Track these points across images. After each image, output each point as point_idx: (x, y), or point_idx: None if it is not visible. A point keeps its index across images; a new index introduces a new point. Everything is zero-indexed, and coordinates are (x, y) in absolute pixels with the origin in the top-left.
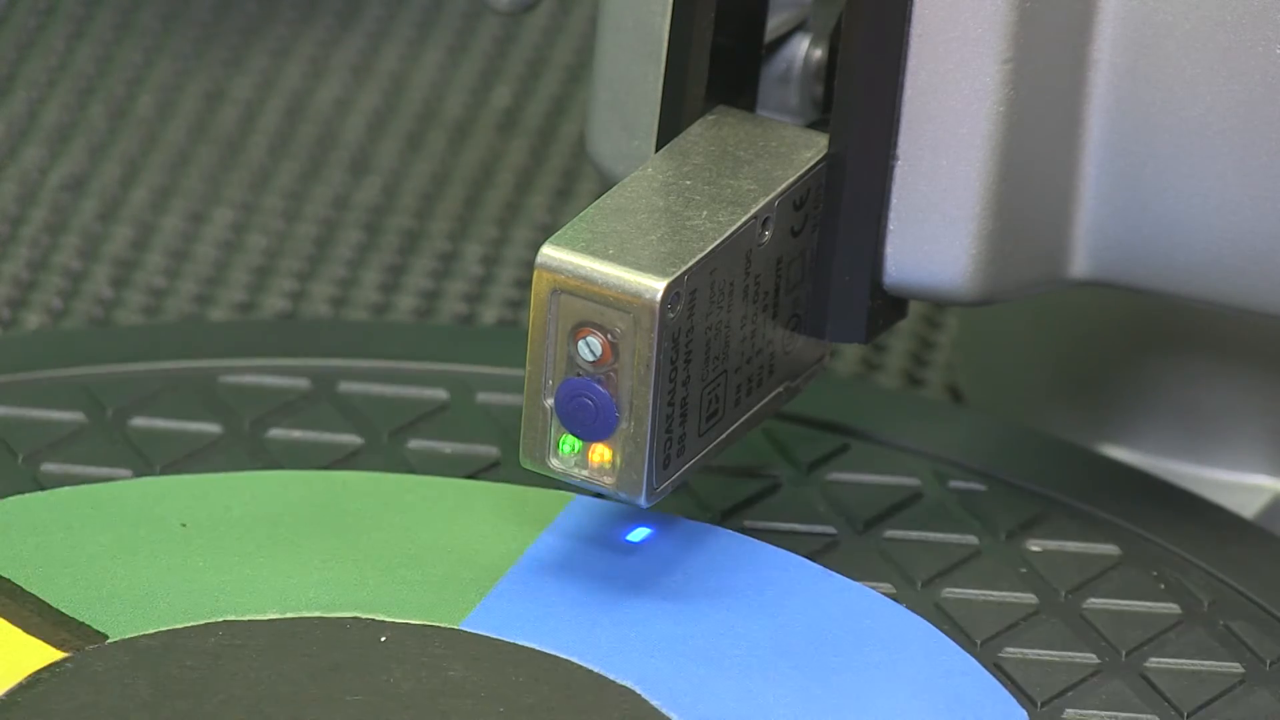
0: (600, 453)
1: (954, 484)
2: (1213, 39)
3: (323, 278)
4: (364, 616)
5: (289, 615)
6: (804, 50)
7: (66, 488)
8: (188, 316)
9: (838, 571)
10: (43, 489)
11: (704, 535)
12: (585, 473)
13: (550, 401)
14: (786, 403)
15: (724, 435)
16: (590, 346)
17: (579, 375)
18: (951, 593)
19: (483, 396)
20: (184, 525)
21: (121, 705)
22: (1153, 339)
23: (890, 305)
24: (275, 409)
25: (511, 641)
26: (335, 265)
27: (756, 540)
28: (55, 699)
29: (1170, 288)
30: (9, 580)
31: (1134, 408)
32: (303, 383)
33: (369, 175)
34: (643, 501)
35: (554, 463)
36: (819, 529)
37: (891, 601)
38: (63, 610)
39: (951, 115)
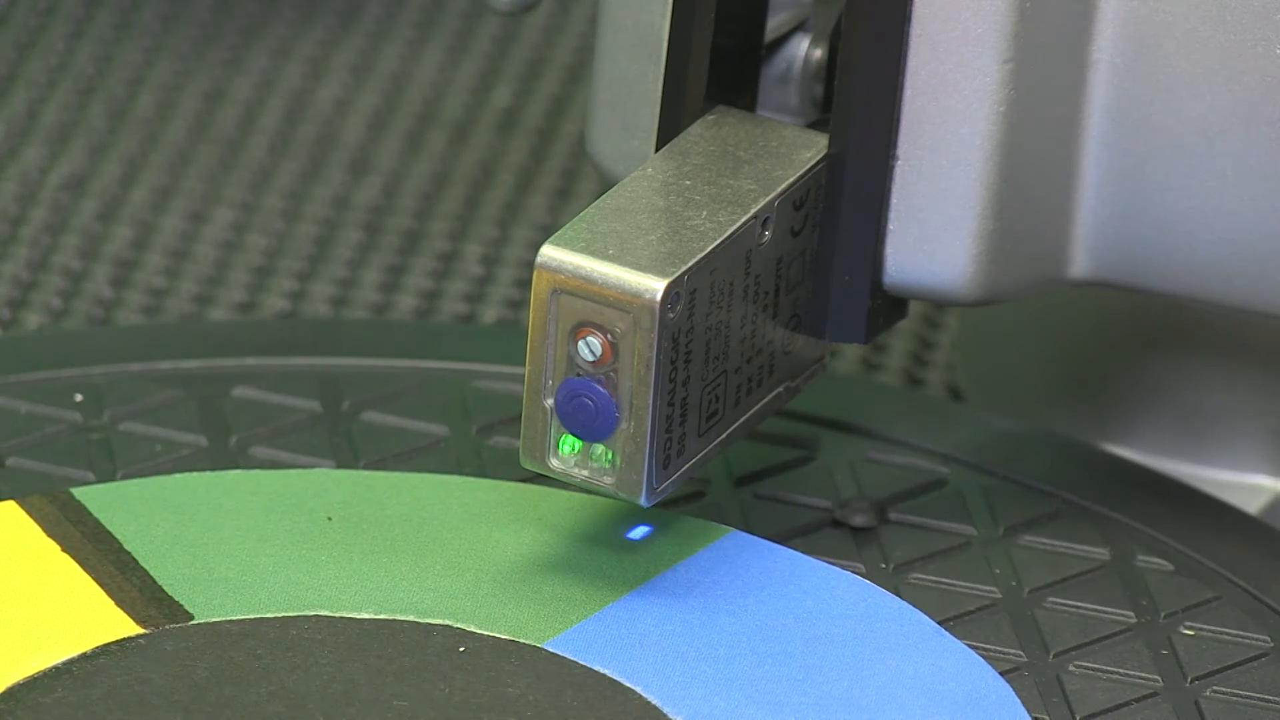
0: (600, 453)
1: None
2: (1213, 39)
3: (323, 278)
4: (455, 626)
5: (382, 616)
6: (804, 50)
7: (237, 470)
8: (456, 318)
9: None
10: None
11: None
12: (585, 473)
13: (550, 401)
14: (786, 403)
15: (724, 435)
16: (590, 346)
17: (579, 375)
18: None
19: None
20: (329, 519)
21: (168, 685)
22: (1153, 339)
23: (890, 305)
24: (510, 418)
25: (587, 665)
26: (335, 265)
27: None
28: (108, 672)
29: (1170, 288)
30: (129, 555)
31: (1134, 408)
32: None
33: (369, 175)
34: (643, 501)
35: (554, 463)
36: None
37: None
38: (164, 588)
39: (951, 115)
